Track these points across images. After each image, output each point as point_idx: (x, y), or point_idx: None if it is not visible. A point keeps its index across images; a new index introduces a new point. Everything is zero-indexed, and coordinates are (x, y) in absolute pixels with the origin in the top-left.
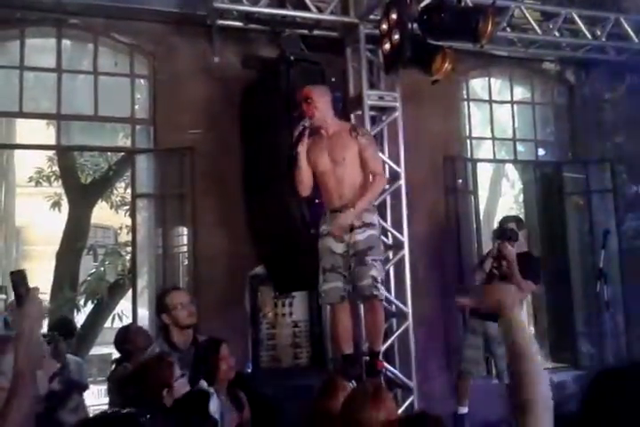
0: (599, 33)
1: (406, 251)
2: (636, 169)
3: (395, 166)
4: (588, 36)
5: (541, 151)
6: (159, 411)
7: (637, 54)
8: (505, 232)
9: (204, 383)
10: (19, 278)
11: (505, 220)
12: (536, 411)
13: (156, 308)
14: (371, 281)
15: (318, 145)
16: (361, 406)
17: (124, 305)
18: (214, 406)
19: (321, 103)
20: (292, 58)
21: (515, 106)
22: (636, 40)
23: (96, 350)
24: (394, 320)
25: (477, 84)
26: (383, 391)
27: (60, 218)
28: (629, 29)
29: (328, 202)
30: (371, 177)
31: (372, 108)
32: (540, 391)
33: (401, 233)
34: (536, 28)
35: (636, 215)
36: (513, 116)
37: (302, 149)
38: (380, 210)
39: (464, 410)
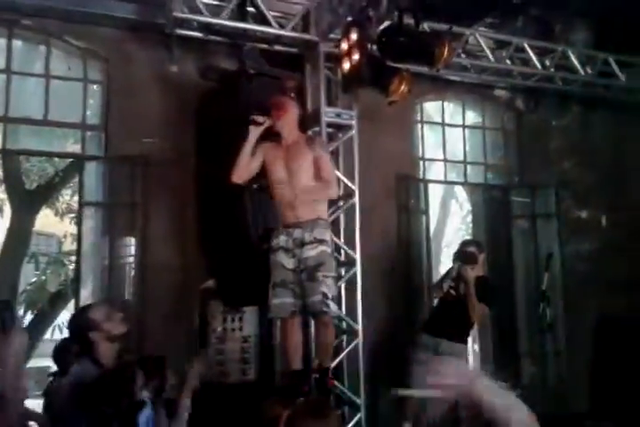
0: (548, 63)
1: (358, 268)
2: (579, 194)
3: (349, 183)
4: (538, 65)
5: (490, 175)
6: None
7: (583, 86)
8: (466, 256)
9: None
10: (6, 308)
11: (466, 243)
12: None
13: (79, 330)
14: (321, 297)
15: (276, 152)
16: (304, 422)
17: (64, 316)
18: (144, 416)
19: (290, 113)
20: (251, 71)
21: (466, 130)
22: (582, 72)
23: (34, 363)
24: (344, 337)
25: (431, 107)
26: (328, 408)
27: (2, 224)
28: (575, 62)
29: (282, 216)
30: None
31: (329, 125)
32: None
33: (353, 250)
34: (489, 55)
35: (578, 239)
36: (464, 140)
37: (253, 135)
38: (334, 227)
39: None
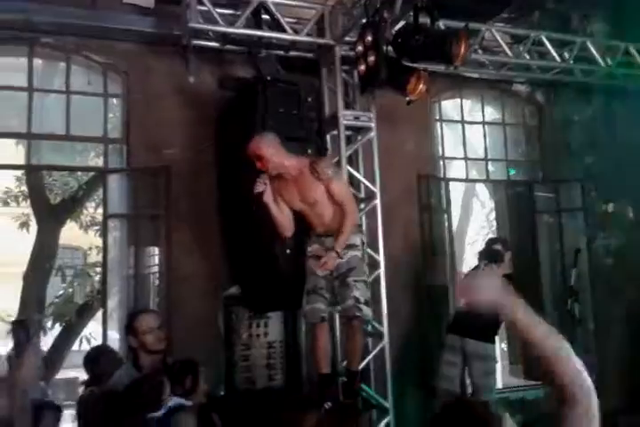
0: (567, 56)
1: (382, 270)
2: (605, 188)
3: (370, 186)
4: (557, 58)
5: (512, 171)
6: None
7: (603, 77)
8: (492, 254)
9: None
10: (21, 328)
11: (492, 241)
12: (574, 398)
13: (125, 330)
14: (353, 302)
15: (287, 187)
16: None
17: (92, 327)
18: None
19: (271, 155)
20: (268, 78)
21: (486, 126)
22: (602, 63)
23: (63, 374)
24: (370, 340)
25: (448, 105)
26: (358, 413)
27: (28, 239)
28: (595, 53)
29: (312, 228)
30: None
31: (348, 128)
32: (570, 373)
33: (376, 252)
34: (507, 50)
35: (605, 234)
36: (484, 137)
37: (268, 198)
38: None
39: None
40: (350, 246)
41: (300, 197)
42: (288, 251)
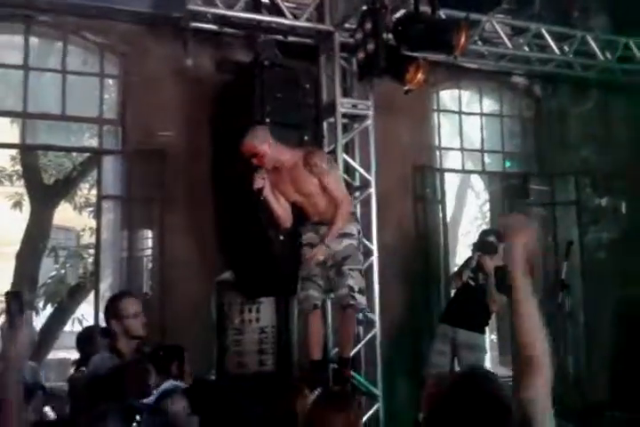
0: (567, 49)
1: (375, 258)
2: (599, 182)
3: (365, 174)
4: (557, 51)
5: (508, 163)
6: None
7: (603, 71)
8: (486, 245)
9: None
10: (15, 300)
11: (485, 233)
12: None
13: (106, 313)
14: (347, 291)
15: (282, 179)
16: (325, 412)
17: (84, 309)
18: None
19: (266, 150)
20: (266, 63)
21: (483, 118)
22: (602, 58)
23: (54, 355)
24: (361, 328)
25: (446, 96)
26: (347, 397)
27: (22, 218)
28: (595, 47)
29: (307, 217)
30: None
31: (345, 115)
32: (542, 345)
33: (370, 241)
34: (506, 41)
35: (598, 227)
36: (482, 128)
37: (268, 193)
38: None
39: None
40: (346, 235)
41: (295, 188)
42: (281, 237)
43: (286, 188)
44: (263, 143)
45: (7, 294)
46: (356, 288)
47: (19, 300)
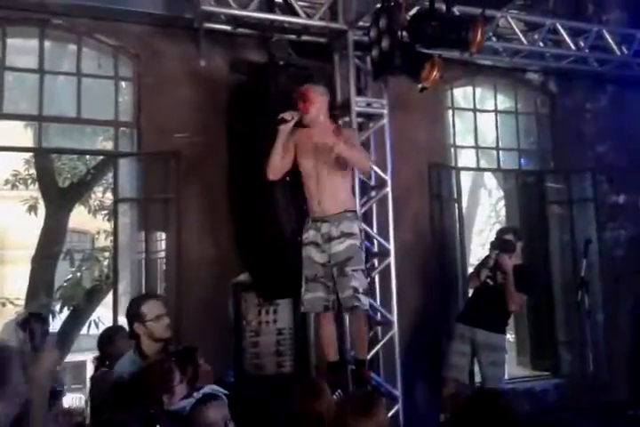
0: (582, 44)
1: (392, 258)
2: (616, 179)
3: (381, 173)
4: (572, 46)
5: (523, 160)
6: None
7: (619, 66)
8: (504, 244)
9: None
10: (38, 322)
11: (503, 231)
12: None
13: (129, 316)
14: (352, 292)
15: (305, 145)
16: (353, 415)
17: (100, 312)
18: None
19: (317, 102)
20: (280, 63)
21: (498, 115)
22: (618, 52)
23: (71, 357)
24: (379, 329)
25: (459, 93)
26: (376, 401)
27: (37, 222)
28: (611, 42)
29: (310, 209)
30: None
31: (360, 114)
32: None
33: (387, 240)
34: (521, 37)
35: (616, 225)
36: (496, 126)
37: (283, 133)
38: (366, 217)
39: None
40: (348, 235)
41: (314, 157)
42: (299, 238)
43: (305, 156)
44: (319, 95)
45: (30, 315)
46: (361, 289)
47: (42, 322)
